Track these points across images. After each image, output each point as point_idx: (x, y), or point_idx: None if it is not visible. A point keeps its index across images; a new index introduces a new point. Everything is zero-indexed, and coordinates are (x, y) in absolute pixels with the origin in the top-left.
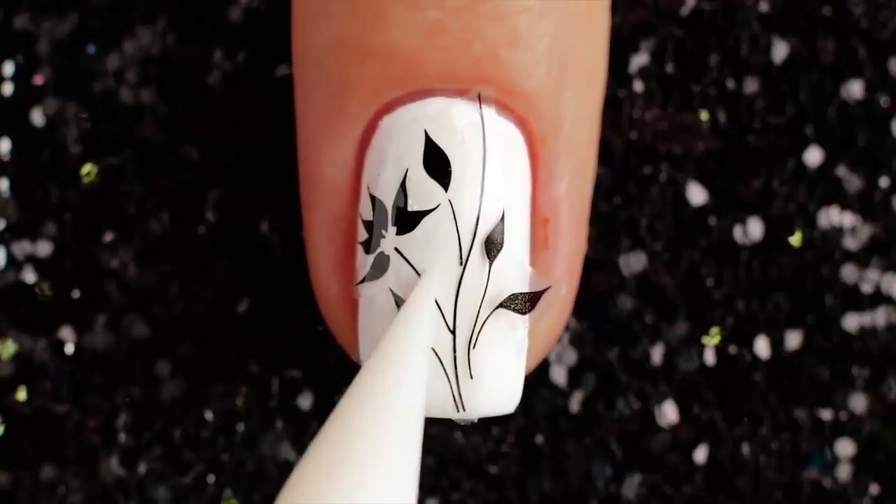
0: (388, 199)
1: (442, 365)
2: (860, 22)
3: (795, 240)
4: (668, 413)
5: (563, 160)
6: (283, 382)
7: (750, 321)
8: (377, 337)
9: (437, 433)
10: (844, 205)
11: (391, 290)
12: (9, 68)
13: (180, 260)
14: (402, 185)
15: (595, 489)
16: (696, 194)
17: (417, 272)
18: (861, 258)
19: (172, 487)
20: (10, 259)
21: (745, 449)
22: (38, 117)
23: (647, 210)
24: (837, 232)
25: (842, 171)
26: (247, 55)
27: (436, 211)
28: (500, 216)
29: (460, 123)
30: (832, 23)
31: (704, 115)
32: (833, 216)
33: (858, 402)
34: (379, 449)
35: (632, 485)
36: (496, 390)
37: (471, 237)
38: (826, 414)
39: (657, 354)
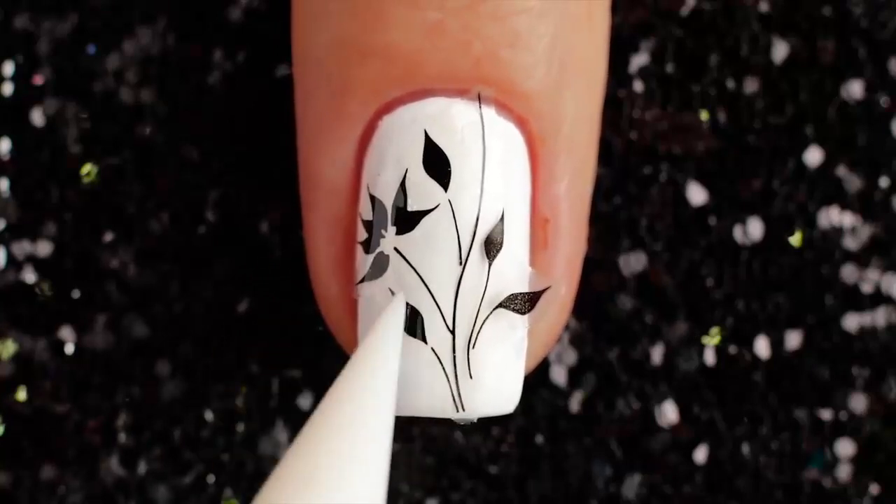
0: (388, 198)
1: (441, 365)
2: (860, 22)
3: (795, 240)
4: (668, 413)
5: (562, 160)
6: (283, 382)
7: (750, 321)
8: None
9: (437, 433)
10: (844, 205)
11: (390, 290)
12: (9, 68)
13: (180, 260)
14: (402, 185)
15: (595, 489)
16: (696, 194)
17: (417, 272)
18: (861, 258)
19: (172, 487)
20: (10, 259)
21: (745, 449)
22: (38, 117)
23: (647, 210)
24: (837, 232)
25: (842, 171)
26: (247, 55)
27: (435, 211)
28: (499, 216)
29: (460, 123)
30: (832, 23)
31: (704, 115)
32: (833, 216)
33: (858, 402)
34: (353, 452)
35: (632, 485)
36: (495, 390)
37: (470, 237)
38: (826, 414)
39: (657, 354)
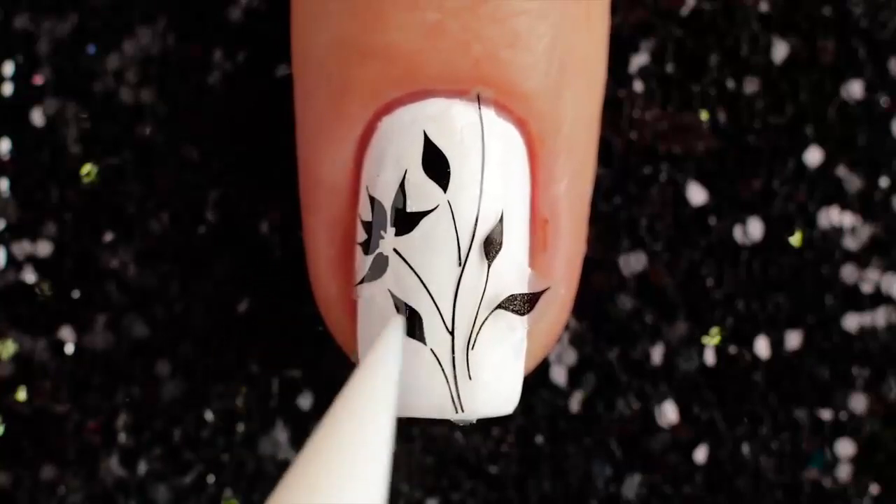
0: (387, 199)
1: (440, 366)
2: (860, 22)
3: (795, 240)
4: (668, 413)
5: (562, 161)
6: (283, 382)
7: (750, 321)
8: (376, 338)
9: (438, 433)
10: (844, 205)
11: (390, 291)
12: (9, 68)
13: (180, 260)
14: (401, 186)
15: (595, 489)
16: (696, 194)
17: (416, 273)
18: (861, 258)
19: (172, 487)
20: (10, 259)
21: (745, 449)
22: (38, 117)
23: (647, 210)
24: (837, 232)
25: (842, 171)
26: (247, 55)
27: (434, 212)
28: (498, 217)
29: (459, 124)
30: (832, 23)
31: (704, 115)
32: (833, 216)
33: (858, 402)
34: (353, 471)
35: (632, 485)
36: (495, 391)
37: (469, 238)
38: (826, 414)
39: (657, 354)
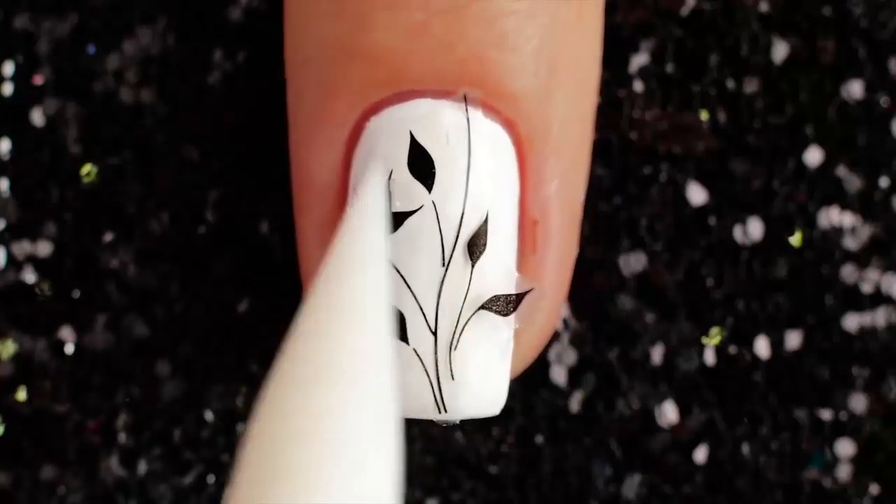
0: None
1: (423, 365)
2: (860, 22)
3: (795, 240)
4: (668, 413)
5: (552, 162)
6: None
7: (750, 321)
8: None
9: (437, 433)
10: (844, 205)
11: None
12: (9, 68)
13: (180, 260)
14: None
15: (595, 489)
16: (696, 194)
17: (399, 272)
18: (861, 258)
19: (172, 487)
20: (10, 259)
21: (745, 449)
22: (38, 117)
23: (647, 210)
24: (837, 232)
25: (842, 171)
26: (247, 55)
27: (419, 212)
28: (483, 218)
29: (446, 125)
30: (832, 23)
31: (704, 115)
32: (833, 216)
33: (858, 402)
34: (354, 306)
35: (632, 485)
36: (478, 392)
37: (454, 238)
38: (826, 414)
39: (657, 354)
